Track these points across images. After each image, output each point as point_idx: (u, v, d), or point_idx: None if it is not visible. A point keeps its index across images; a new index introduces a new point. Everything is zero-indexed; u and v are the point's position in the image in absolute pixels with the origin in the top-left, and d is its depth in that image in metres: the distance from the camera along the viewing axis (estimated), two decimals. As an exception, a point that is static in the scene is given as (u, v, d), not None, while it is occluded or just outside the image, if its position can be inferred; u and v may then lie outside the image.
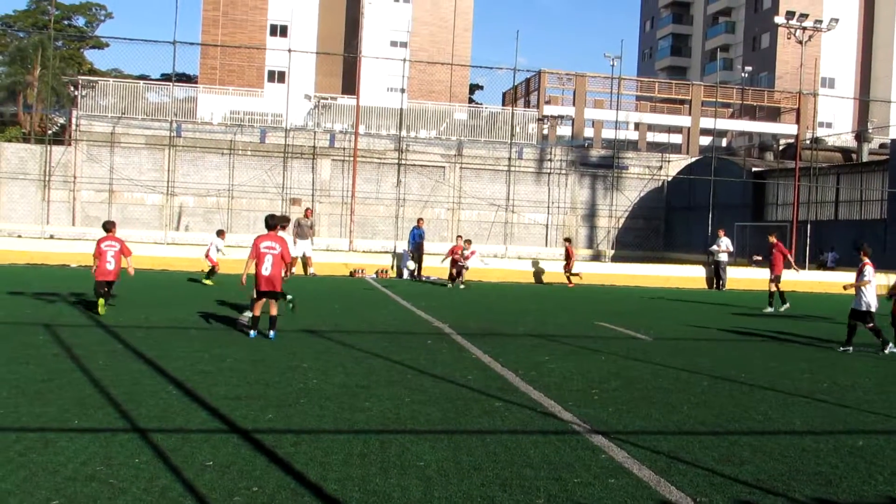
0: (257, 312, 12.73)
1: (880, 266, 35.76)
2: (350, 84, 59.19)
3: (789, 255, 22.62)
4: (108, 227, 15.52)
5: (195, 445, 6.66)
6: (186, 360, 10.33)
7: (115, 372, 9.40)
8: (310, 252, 27.47)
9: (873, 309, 13.90)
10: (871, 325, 13.87)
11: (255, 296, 12.79)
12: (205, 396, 8.38)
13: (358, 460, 6.45)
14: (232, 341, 12.15)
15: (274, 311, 12.68)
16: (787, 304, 21.99)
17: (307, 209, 29.72)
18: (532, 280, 29.89)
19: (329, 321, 15.07)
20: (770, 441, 7.63)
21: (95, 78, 54.71)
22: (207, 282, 22.19)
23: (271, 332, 12.54)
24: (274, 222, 13.04)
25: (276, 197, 44.19)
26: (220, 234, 24.04)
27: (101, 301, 14.50)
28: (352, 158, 35.81)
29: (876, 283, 14.35)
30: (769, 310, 21.49)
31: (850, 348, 13.88)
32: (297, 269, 27.08)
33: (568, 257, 29.02)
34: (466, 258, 26.19)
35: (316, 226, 28.84)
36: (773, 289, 22.25)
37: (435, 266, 28.16)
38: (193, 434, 7.02)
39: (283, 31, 64.38)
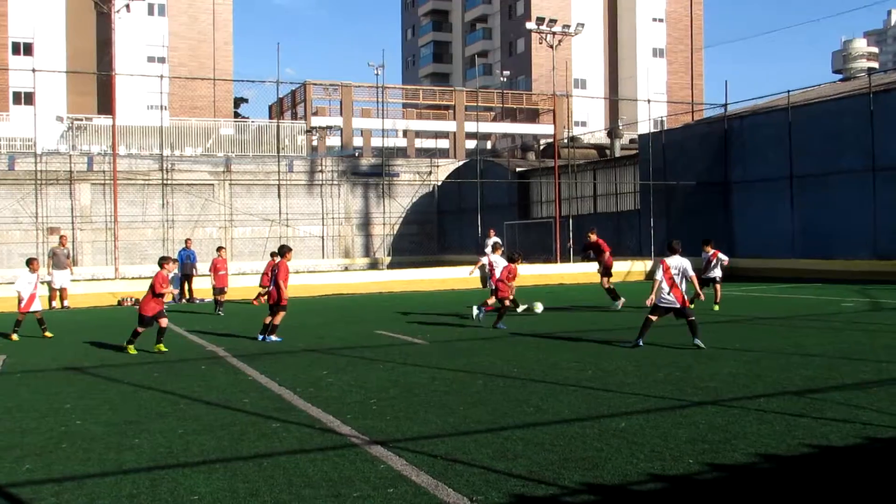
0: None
1: (636, 253, 38.25)
2: (106, 103, 56.51)
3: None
4: None
5: (-61, 508, 6.09)
6: (-70, 414, 9.44)
7: None
8: (67, 283, 25.89)
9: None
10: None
11: None
12: (-48, 452, 7.69)
13: (127, 502, 6.11)
14: (-16, 387, 11.24)
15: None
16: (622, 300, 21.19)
17: (62, 237, 27.99)
18: (310, 294, 29.60)
19: (94, 356, 14.25)
20: (541, 432, 7.92)
21: None
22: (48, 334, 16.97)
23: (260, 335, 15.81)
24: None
25: (32, 227, 41.52)
26: (31, 263, 17.51)
27: None
28: (112, 181, 34.16)
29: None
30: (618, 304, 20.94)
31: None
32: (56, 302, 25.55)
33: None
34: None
35: (73, 255, 27.14)
36: (607, 285, 21.50)
37: (207, 288, 27.40)
38: (-62, 496, 6.41)
39: (28, 49, 60.57)
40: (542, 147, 58.72)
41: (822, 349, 12.92)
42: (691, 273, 13.82)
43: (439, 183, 54.83)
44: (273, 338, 15.76)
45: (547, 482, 6.34)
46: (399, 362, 12.59)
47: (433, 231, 54.49)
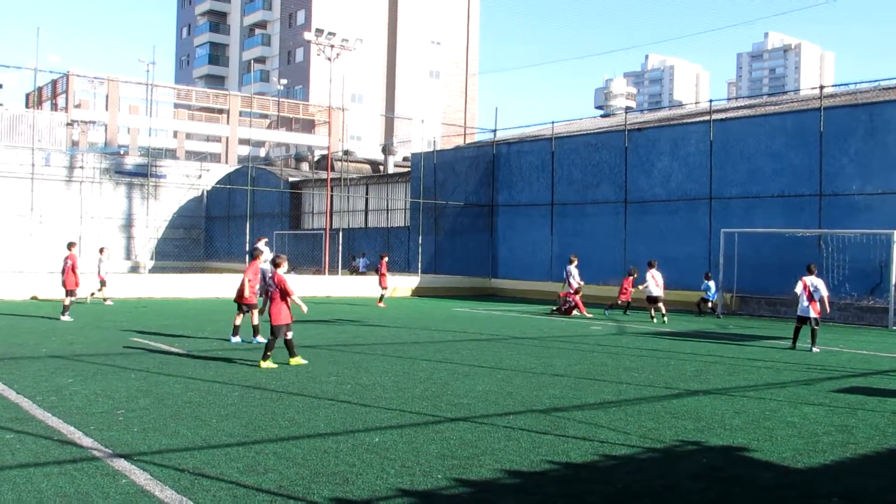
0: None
1: (404, 269, 38.82)
2: None
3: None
4: None
5: None
6: None
7: None
8: None
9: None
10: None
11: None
12: None
13: None
14: None
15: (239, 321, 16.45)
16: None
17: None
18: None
19: None
20: (294, 446, 7.85)
21: None
22: None
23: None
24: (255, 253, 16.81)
25: None
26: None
27: None
28: None
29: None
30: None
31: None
32: None
33: None
34: None
35: None
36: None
37: None
38: None
39: None
40: (316, 158, 58.54)
41: (570, 370, 13.63)
42: (824, 292, 16.98)
43: (209, 188, 53.38)
44: (260, 339, 15.97)
45: (296, 497, 6.29)
46: (152, 371, 12.10)
47: (200, 237, 52.93)
